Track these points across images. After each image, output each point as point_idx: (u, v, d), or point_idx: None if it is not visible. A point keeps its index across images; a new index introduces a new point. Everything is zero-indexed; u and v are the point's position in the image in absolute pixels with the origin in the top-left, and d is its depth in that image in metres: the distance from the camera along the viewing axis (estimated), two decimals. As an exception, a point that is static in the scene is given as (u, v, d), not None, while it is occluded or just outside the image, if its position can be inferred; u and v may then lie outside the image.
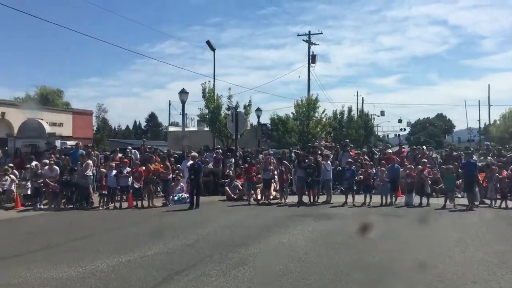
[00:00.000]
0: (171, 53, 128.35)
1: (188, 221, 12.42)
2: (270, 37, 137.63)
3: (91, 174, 16.85)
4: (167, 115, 63.20)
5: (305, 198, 16.18)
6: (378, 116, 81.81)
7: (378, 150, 25.02)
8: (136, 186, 16.49)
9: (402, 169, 16.30)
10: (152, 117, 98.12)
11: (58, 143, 21.48)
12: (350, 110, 57.44)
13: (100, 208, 16.02)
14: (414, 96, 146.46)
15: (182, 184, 17.67)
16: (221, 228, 11.30)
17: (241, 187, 18.20)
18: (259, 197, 17.12)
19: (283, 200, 16.50)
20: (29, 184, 16.62)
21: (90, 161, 17.37)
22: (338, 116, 52.92)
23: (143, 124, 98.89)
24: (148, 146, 23.01)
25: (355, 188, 15.95)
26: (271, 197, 17.05)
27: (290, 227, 11.16)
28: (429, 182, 15.64)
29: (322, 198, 16.28)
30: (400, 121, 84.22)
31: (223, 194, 18.89)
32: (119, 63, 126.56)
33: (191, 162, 17.64)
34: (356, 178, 16.00)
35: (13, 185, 16.74)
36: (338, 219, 12.45)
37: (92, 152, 19.65)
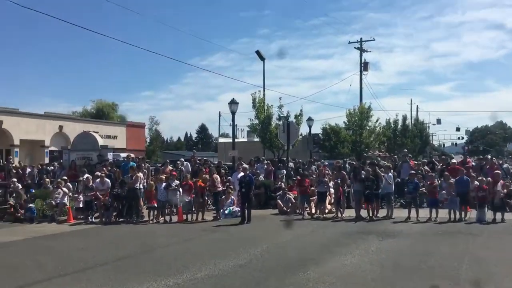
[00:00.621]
0: (221, 65, 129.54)
1: (240, 238, 11.69)
2: (318, 47, 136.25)
3: (141, 187, 16.57)
4: (218, 126, 63.59)
5: (363, 213, 15.08)
6: (434, 124, 78.29)
7: (437, 160, 23.44)
8: (186, 200, 16.01)
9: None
10: (202, 129, 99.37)
11: (110, 155, 21.52)
12: (404, 118, 55.20)
13: (150, 222, 15.66)
14: (470, 104, 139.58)
15: (232, 197, 17.04)
16: (275, 246, 10.47)
17: (293, 200, 17.33)
18: (313, 211, 16.18)
19: (339, 215, 15.45)
20: (81, 197, 16.55)
21: (140, 174, 17.10)
22: (392, 125, 50.82)
23: (194, 135, 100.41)
24: (199, 158, 22.67)
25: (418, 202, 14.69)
26: (326, 211, 16.06)
27: (351, 246, 10.17)
28: (502, 195, 14.14)
29: (382, 213, 15.10)
30: (458, 129, 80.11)
31: (274, 207, 18.10)
32: (171, 76, 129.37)
33: (241, 174, 16.99)
34: (419, 191, 14.73)
35: (66, 198, 16.72)
36: (404, 237, 11.28)
37: (143, 165, 19.48)
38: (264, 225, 14.33)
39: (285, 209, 17.00)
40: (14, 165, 23.98)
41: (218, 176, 17.68)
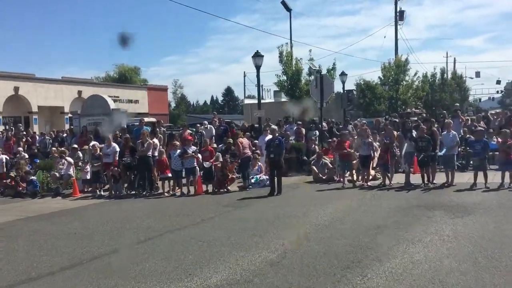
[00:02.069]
0: (245, 27, 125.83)
1: (269, 217, 9.40)
2: (344, 3, 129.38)
3: (156, 155, 14.43)
4: (243, 88, 61.10)
5: (414, 179, 12.60)
6: (472, 78, 73.30)
7: (492, 114, 20.47)
8: (206, 166, 13.80)
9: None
10: (228, 92, 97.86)
11: (123, 119, 19.39)
12: (443, 72, 51.40)
13: (165, 194, 13.58)
14: (507, 56, 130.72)
15: (260, 163, 14.74)
16: (316, 229, 8.12)
17: (330, 166, 14.90)
18: (354, 177, 13.74)
19: (387, 182, 12.95)
20: (88, 167, 14.56)
21: (155, 140, 14.95)
22: (430, 79, 46.91)
23: (220, 99, 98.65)
24: (226, 120, 20.38)
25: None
26: (370, 177, 13.61)
27: (416, 228, 7.74)
28: None
29: (438, 179, 12.52)
30: (498, 82, 74.77)
31: (308, 174, 15.78)
32: (196, 40, 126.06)
33: (269, 137, 14.62)
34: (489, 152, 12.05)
35: (71, 169, 14.78)
36: (483, 213, 8.70)
37: (158, 129, 17.32)
38: (297, 197, 12.01)
39: (320, 176, 14.62)
40: (24, 132, 22.28)
41: (244, 140, 15.42)
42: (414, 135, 13.09)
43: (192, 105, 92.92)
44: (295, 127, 19.37)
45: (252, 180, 14.40)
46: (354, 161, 13.94)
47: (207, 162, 13.87)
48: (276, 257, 6.44)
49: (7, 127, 28.88)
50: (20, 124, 26.08)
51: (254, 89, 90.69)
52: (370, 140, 13.46)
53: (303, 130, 19.56)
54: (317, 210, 9.85)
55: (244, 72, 56.90)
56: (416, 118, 18.81)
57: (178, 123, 57.93)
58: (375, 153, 13.93)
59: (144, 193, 13.65)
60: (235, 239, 7.61)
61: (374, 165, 14.29)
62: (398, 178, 13.15)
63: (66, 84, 40.04)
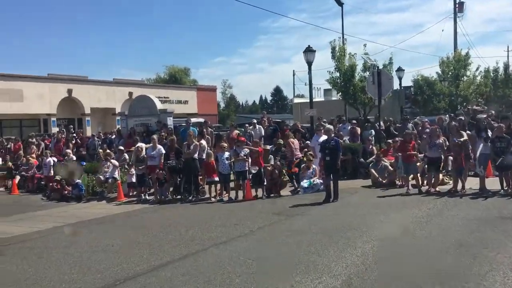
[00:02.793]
0: (293, 25, 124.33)
1: (326, 228, 8.28)
2: (393, 0, 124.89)
3: (203, 157, 13.66)
4: (292, 87, 60.04)
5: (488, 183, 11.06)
6: (535, 73, 68.18)
7: None
8: (253, 171, 12.82)
9: None
10: (277, 91, 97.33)
11: (169, 120, 18.81)
12: (506, 66, 47.89)
13: (213, 199, 12.74)
14: None
15: (314, 166, 13.60)
16: (383, 246, 6.92)
17: (391, 168, 13.53)
18: (419, 182, 12.31)
19: (458, 187, 11.45)
20: (133, 170, 13.98)
21: (202, 141, 14.21)
22: (492, 74, 43.74)
23: (269, 98, 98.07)
24: (276, 120, 19.38)
25: None
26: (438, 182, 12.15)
27: (507, 246, 6.38)
28: None
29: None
30: None
31: (365, 177, 14.50)
32: (243, 41, 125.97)
33: (324, 137, 13.48)
34: None
35: (116, 172, 14.26)
36: None
37: (205, 130, 16.55)
38: (357, 205, 10.78)
39: (380, 180, 13.30)
40: (74, 134, 22.28)
41: (295, 141, 14.42)
42: (490, 135, 11.54)
43: (241, 105, 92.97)
44: (350, 127, 18.07)
45: (305, 184, 13.30)
46: (419, 164, 12.55)
47: (255, 167, 12.92)
48: (340, 284, 5.33)
49: (59, 129, 29.29)
50: (71, 126, 26.24)
51: (304, 88, 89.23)
52: (441, 140, 12.00)
53: (358, 130, 18.24)
54: (381, 220, 8.62)
55: (294, 71, 55.78)
56: (485, 116, 17.01)
57: (227, 124, 57.63)
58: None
59: (190, 197, 12.88)
60: (288, 257, 6.56)
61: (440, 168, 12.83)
62: (469, 183, 11.65)
63: (117, 85, 40.54)
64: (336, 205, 10.77)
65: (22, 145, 21.35)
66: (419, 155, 12.82)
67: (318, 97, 52.20)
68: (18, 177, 17.15)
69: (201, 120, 24.29)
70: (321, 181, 13.23)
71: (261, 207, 11.13)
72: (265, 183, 12.84)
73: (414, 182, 12.30)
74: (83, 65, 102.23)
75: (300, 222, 9.10)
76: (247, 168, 12.75)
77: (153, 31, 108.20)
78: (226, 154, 12.82)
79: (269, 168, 13.03)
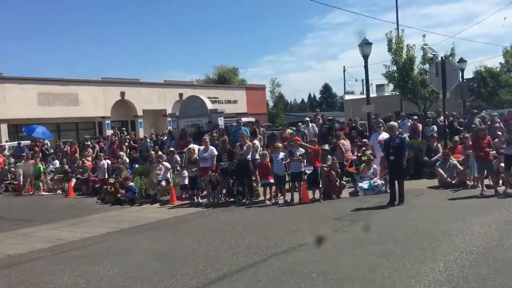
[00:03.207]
0: (341, 21, 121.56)
1: (398, 237, 7.47)
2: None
3: (257, 158, 13.16)
4: (341, 85, 58.69)
5: None
6: None
7: None
8: (307, 171, 12.11)
9: None
10: (326, 89, 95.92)
11: (220, 120, 18.43)
12: None
13: (267, 202, 12.17)
14: None
15: (375, 166, 12.74)
16: (468, 260, 6.05)
17: (460, 168, 12.44)
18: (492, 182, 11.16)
19: (541, 189, 10.25)
20: (185, 172, 13.64)
21: (256, 142, 13.71)
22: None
23: (318, 96, 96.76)
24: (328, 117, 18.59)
25: None
26: (516, 182, 10.96)
27: None
28: None
29: None
30: None
31: (430, 177, 13.48)
32: (291, 39, 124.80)
33: (384, 135, 12.62)
34: None
35: (168, 174, 13.99)
36: None
37: (257, 130, 16.02)
38: (425, 208, 9.84)
39: (449, 180, 12.24)
40: (127, 136, 22.42)
41: (346, 142, 13.74)
42: None
43: (289, 104, 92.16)
44: (410, 123, 16.97)
45: (365, 186, 12.48)
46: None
47: (309, 167, 12.20)
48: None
49: (113, 131, 29.77)
50: (124, 128, 26.54)
51: (354, 85, 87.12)
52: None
53: (420, 126, 17.11)
54: (459, 227, 7.70)
55: (344, 67, 54.38)
56: None
57: (277, 123, 57.03)
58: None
59: (244, 200, 12.37)
60: (358, 271, 5.84)
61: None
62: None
63: (168, 87, 40.96)
64: (403, 209, 9.89)
65: (78, 148, 21.74)
66: (491, 152, 11.66)
67: (370, 93, 50.35)
68: (74, 180, 17.33)
69: (252, 119, 23.86)
70: (382, 182, 12.38)
71: (320, 211, 10.42)
72: (321, 185, 12.12)
73: (488, 182, 11.19)
74: (135, 68, 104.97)
75: (362, 229, 8.30)
76: (302, 169, 12.09)
77: (201, 32, 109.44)
78: (281, 154, 12.20)
79: (326, 168, 12.29)
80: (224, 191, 13.14)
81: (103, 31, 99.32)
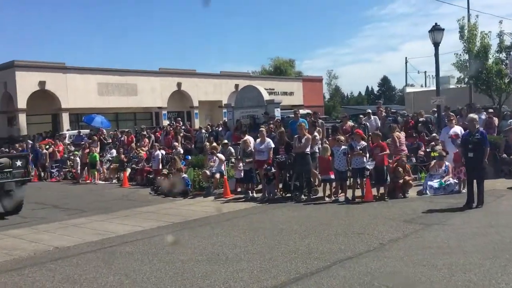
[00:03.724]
0: (402, 12, 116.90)
1: (482, 245, 6.43)
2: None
3: (316, 151, 12.36)
4: (401, 77, 56.39)
5: None
6: None
7: None
8: (369, 167, 11.10)
9: None
10: (384, 81, 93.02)
11: (277, 112, 17.70)
12: None
13: (327, 199, 11.33)
14: None
15: (447, 163, 11.54)
16: None
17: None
18: None
19: None
20: (241, 165, 13.04)
21: (316, 134, 12.88)
22: None
23: (376, 89, 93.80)
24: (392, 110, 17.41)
25: None
26: None
27: None
28: None
29: None
30: None
31: (509, 176, 12.15)
32: (349, 31, 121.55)
33: (457, 129, 11.45)
34: None
35: (222, 166, 13.46)
36: None
37: (317, 122, 15.14)
38: (510, 212, 8.63)
39: (534, 181, 10.86)
40: (183, 127, 22.23)
41: (401, 135, 12.68)
42: None
43: (346, 97, 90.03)
44: (485, 116, 15.44)
45: (435, 185, 11.32)
46: None
47: (372, 162, 11.18)
48: None
49: (169, 122, 29.87)
50: (179, 118, 26.43)
51: (417, 77, 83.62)
52: None
53: (496, 120, 15.55)
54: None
55: (406, 58, 52.00)
56: None
57: (333, 115, 55.54)
58: None
59: (301, 197, 11.58)
60: (442, 286, 4.91)
61: None
62: None
63: (224, 78, 40.72)
64: (482, 213, 8.73)
65: (134, 138, 21.80)
66: None
67: (433, 86, 48.29)
68: (128, 170, 17.26)
69: (308, 111, 22.94)
70: (455, 181, 11.19)
71: (386, 212, 9.44)
72: (388, 182, 11.10)
73: None
74: (191, 59, 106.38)
75: (442, 235, 7.28)
76: (365, 165, 11.11)
77: (257, 24, 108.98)
78: (343, 148, 11.29)
79: (392, 164, 11.25)
80: (280, 185, 12.42)
81: (160, 23, 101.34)
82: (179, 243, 7.64)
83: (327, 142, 12.87)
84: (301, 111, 19.17)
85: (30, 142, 24.56)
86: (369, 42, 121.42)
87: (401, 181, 11.11)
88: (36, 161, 21.39)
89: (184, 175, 13.58)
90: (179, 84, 37.46)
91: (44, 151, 21.34)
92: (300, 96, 47.01)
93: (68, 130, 28.98)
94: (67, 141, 24.49)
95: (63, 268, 6.50)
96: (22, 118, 29.46)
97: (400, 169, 11.25)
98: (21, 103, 29.09)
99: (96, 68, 33.08)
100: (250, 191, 12.56)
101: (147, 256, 6.92)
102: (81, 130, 25.94)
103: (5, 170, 10.72)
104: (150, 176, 15.91)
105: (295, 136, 12.10)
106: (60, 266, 6.58)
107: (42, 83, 29.61)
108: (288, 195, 12.02)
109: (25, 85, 29.14)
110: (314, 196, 11.68)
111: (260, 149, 12.35)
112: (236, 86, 38.57)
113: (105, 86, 32.84)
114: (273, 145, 12.45)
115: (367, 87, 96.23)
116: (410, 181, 11.46)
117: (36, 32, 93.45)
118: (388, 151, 11.28)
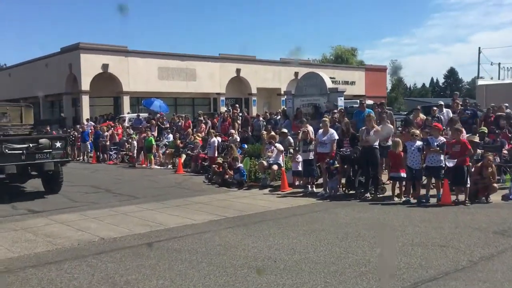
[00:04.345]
0: (472, 2, 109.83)
1: None
2: None
3: (387, 145, 11.21)
4: (468, 70, 52.77)
5: None
6: None
7: None
8: (449, 165, 9.75)
9: None
10: (451, 73, 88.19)
11: (340, 101, 16.51)
12: None
13: (396, 199, 10.16)
14: None
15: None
16: None
17: None
18: None
19: None
20: (299, 157, 12.11)
21: (389, 126, 11.79)
22: None
23: (441, 81, 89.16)
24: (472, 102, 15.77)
25: None
26: None
27: None
28: None
29: None
30: None
31: None
32: (414, 20, 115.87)
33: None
34: None
35: (281, 157, 12.58)
36: None
37: (385, 113, 13.92)
38: None
39: None
40: (240, 114, 21.59)
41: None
42: None
43: (409, 88, 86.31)
44: None
45: (520, 189, 9.84)
46: None
47: (451, 160, 9.83)
48: None
49: (227, 108, 29.36)
50: (237, 105, 25.79)
51: (489, 69, 78.46)
52: None
53: None
54: None
55: (479, 48, 48.48)
56: None
57: (395, 107, 53.04)
58: None
59: (367, 195, 10.48)
60: None
61: None
62: None
63: (283, 65, 39.72)
64: None
65: (191, 123, 21.41)
66: None
67: (508, 78, 45.20)
68: (184, 156, 16.81)
69: (371, 102, 21.53)
70: (551, 186, 9.65)
71: (470, 220, 8.17)
72: (469, 185, 9.74)
73: None
74: (251, 45, 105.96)
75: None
76: (444, 163, 9.81)
77: (318, 12, 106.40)
78: (418, 143, 10.04)
79: (476, 165, 9.88)
80: (343, 181, 11.37)
81: (222, 10, 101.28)
82: (232, 243, 6.85)
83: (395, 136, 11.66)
84: (368, 102, 17.90)
85: (92, 123, 24.89)
86: (436, 32, 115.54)
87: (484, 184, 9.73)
88: (96, 143, 21.56)
89: (240, 164, 12.84)
90: (238, 70, 36.92)
91: (106, 133, 21.44)
92: (362, 86, 45.21)
93: (128, 113, 29.24)
94: (126, 124, 24.58)
95: (105, 264, 5.91)
96: (85, 100, 30.06)
97: (490, 169, 9.81)
98: (85, 85, 29.67)
99: (157, 52, 33.13)
100: (309, 186, 11.61)
101: (196, 256, 6.18)
102: (140, 114, 25.98)
103: (45, 150, 10.74)
104: (205, 164, 15.34)
105: (362, 128, 10.97)
106: (102, 262, 5.99)
107: (105, 66, 30.02)
108: (351, 192, 10.95)
109: (89, 67, 29.66)
110: (381, 195, 10.54)
111: (323, 141, 11.35)
112: (296, 74, 37.53)
113: (165, 70, 32.86)
114: (336, 137, 11.42)
115: (432, 79, 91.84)
116: (495, 184, 10.03)
117: (100, 15, 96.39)
118: (472, 150, 9.89)
